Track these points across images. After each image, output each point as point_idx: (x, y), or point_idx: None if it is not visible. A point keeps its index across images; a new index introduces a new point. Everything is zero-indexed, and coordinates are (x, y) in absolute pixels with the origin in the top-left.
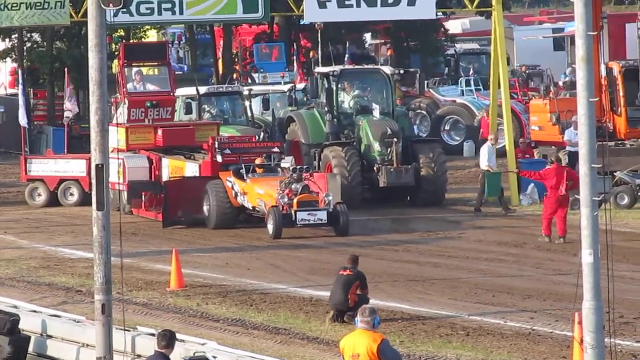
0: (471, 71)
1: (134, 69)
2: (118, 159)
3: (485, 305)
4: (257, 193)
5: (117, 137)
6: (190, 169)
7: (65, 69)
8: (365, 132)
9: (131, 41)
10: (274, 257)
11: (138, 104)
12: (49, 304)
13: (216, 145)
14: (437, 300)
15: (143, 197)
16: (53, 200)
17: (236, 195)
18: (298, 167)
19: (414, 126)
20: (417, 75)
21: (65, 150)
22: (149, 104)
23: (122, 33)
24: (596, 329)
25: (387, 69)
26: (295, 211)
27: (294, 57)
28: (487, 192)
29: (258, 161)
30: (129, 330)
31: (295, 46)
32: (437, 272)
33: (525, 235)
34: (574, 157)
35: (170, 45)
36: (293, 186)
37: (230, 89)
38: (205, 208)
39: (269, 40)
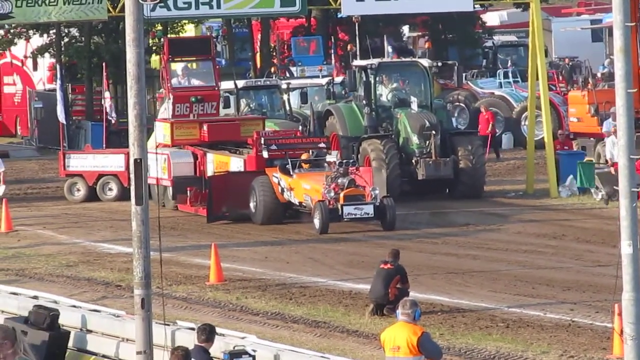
0: (509, 63)
1: (179, 64)
2: (163, 154)
3: (525, 297)
4: (304, 188)
5: (162, 132)
6: (235, 164)
7: (103, 64)
8: (403, 125)
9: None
10: (313, 250)
11: (183, 99)
12: (89, 298)
13: (262, 141)
14: (476, 293)
15: (188, 192)
16: (92, 195)
17: (283, 191)
18: (344, 161)
19: (452, 119)
20: (455, 67)
21: (104, 145)
22: (193, 99)
23: (160, 27)
24: (636, 320)
25: (425, 62)
26: (342, 205)
27: (332, 51)
28: (580, 181)
29: (304, 156)
30: (168, 325)
31: (332, 39)
32: (476, 265)
33: (565, 227)
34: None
35: (215, 40)
36: (339, 180)
37: (268, 82)
38: (251, 204)
39: (307, 33)
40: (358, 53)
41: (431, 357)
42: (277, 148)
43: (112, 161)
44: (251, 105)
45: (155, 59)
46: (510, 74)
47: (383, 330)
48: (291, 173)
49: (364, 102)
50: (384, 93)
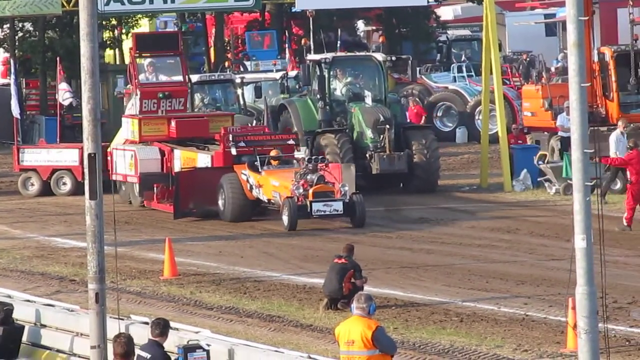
0: (463, 57)
1: (146, 60)
2: (129, 150)
3: (479, 292)
4: (272, 185)
5: (130, 128)
6: (203, 160)
7: (58, 59)
8: (357, 120)
9: (142, 31)
10: (267, 245)
11: (150, 95)
12: (43, 293)
13: (230, 137)
14: (430, 287)
15: (155, 189)
16: (46, 190)
17: (251, 188)
18: (313, 157)
19: (406, 113)
20: (409, 62)
21: (58, 140)
22: (161, 95)
23: (115, 22)
24: (590, 314)
25: (379, 56)
26: (311, 202)
27: (286, 45)
28: (565, 172)
29: (273, 153)
30: (122, 319)
31: (287, 34)
32: (430, 259)
33: (519, 221)
34: (566, 142)
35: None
36: (308, 177)
37: (222, 77)
38: (220, 202)
39: (261, 28)
40: (312, 47)
41: (385, 351)
42: (246, 145)
43: (66, 156)
44: (205, 100)
45: (109, 53)
46: (464, 68)
47: (337, 325)
48: (260, 170)
49: (318, 96)
50: (338, 87)
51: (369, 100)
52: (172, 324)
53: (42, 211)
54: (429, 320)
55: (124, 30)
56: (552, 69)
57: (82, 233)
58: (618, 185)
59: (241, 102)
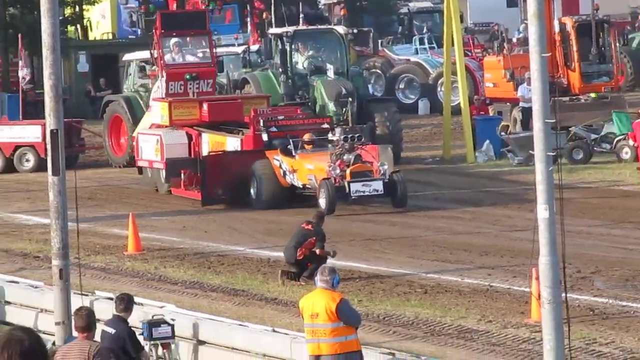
0: (425, 29)
1: (172, 39)
2: (155, 135)
3: (443, 263)
4: (307, 169)
5: (159, 112)
6: (232, 144)
7: (19, 35)
8: (319, 93)
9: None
10: (231, 219)
11: (176, 77)
12: (7, 270)
13: (261, 123)
14: (394, 259)
15: (182, 175)
16: (9, 167)
17: (285, 174)
18: (350, 136)
19: (368, 85)
20: (371, 34)
21: (21, 117)
22: (188, 77)
23: None
24: (553, 284)
25: (341, 29)
26: (349, 182)
27: (248, 19)
28: (618, 129)
29: (306, 137)
30: (87, 295)
31: (248, 8)
32: (394, 231)
33: (482, 192)
34: (527, 113)
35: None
36: (345, 157)
37: None
38: (252, 190)
39: (223, 2)
40: (274, 21)
41: (350, 323)
42: (278, 130)
43: (28, 132)
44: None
45: (71, 29)
46: (425, 40)
47: (301, 298)
48: (293, 154)
49: (280, 70)
50: (300, 61)
51: (331, 74)
52: (136, 299)
53: (5, 188)
54: (393, 292)
55: (85, 7)
56: (514, 40)
57: (45, 209)
58: (581, 155)
59: None
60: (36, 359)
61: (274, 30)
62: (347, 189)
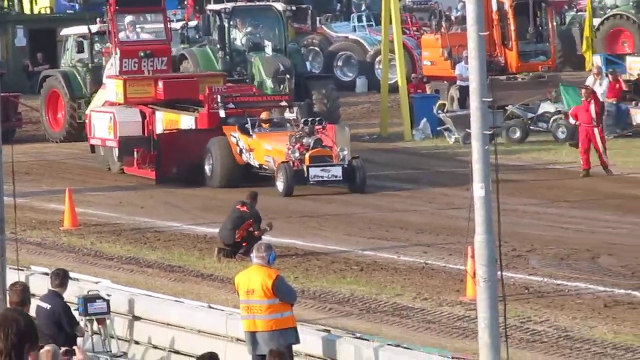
0: (363, 7)
1: (127, 17)
2: (108, 112)
3: (379, 240)
4: (265, 149)
5: (114, 90)
6: (186, 122)
7: None
8: (257, 69)
9: None
10: (168, 195)
11: (131, 54)
12: None
13: (218, 99)
14: (330, 236)
15: (135, 153)
16: None
17: (241, 152)
18: (310, 119)
19: (306, 63)
20: (309, 11)
21: None
22: (142, 54)
23: None
24: (488, 262)
25: (279, 6)
26: (308, 167)
27: None
28: (566, 102)
29: (264, 115)
30: (22, 270)
31: None
32: (331, 208)
33: (419, 170)
34: (465, 91)
35: None
36: (304, 140)
37: None
38: (207, 167)
39: None
40: None
41: (285, 300)
42: (235, 106)
43: None
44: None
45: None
46: (364, 18)
47: (237, 274)
48: (251, 133)
49: (218, 46)
50: (238, 37)
51: (269, 50)
52: (72, 274)
53: None
54: (329, 269)
55: None
56: (452, 18)
57: None
58: (517, 134)
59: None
60: (30, 338)
61: (212, 6)
62: (306, 173)
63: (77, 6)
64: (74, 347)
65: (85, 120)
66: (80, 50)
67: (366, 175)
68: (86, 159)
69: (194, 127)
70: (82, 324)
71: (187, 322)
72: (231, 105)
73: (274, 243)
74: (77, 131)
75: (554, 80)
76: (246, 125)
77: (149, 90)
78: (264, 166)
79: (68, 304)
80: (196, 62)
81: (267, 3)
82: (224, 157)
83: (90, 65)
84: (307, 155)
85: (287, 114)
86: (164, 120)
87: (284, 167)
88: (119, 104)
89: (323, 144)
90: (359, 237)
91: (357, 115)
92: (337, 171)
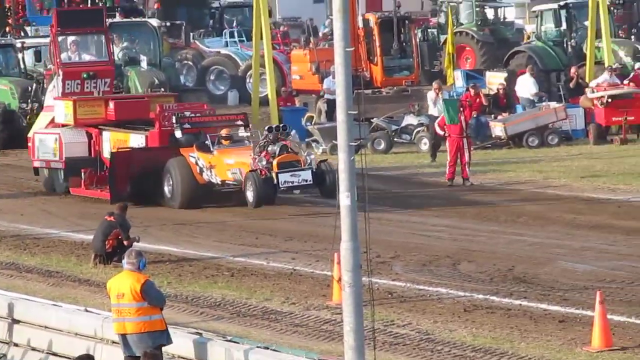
0: (235, 23)
1: (70, 38)
2: (53, 134)
3: (249, 247)
4: (227, 164)
5: (63, 111)
6: (136, 141)
7: None
8: (133, 82)
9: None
10: (47, 203)
11: (73, 76)
12: None
13: (174, 120)
14: (203, 243)
15: (82, 174)
16: None
17: (202, 170)
18: (274, 126)
19: (180, 76)
20: (183, 27)
21: None
22: (85, 75)
23: None
24: (353, 268)
25: (154, 22)
26: (277, 173)
27: None
28: (449, 119)
29: (224, 132)
30: None
31: (66, 0)
32: (203, 216)
33: None
34: (332, 104)
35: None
36: (270, 148)
37: (3, 41)
38: (166, 188)
39: None
40: None
41: (154, 303)
42: (192, 126)
43: None
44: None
45: None
46: (235, 34)
47: (110, 279)
48: (211, 150)
49: None
50: (115, 52)
51: (144, 64)
52: None
53: None
54: (202, 274)
55: None
56: (320, 34)
57: None
58: (382, 145)
59: (22, 66)
60: None
61: None
62: (276, 180)
63: None
64: None
65: (29, 143)
66: None
67: (336, 179)
68: None
69: (144, 145)
70: None
71: (65, 325)
72: (187, 125)
73: (148, 250)
74: None
75: (417, 95)
76: (206, 142)
77: (99, 111)
78: (227, 182)
79: None
80: None
81: (143, 19)
82: (184, 177)
83: None
84: (274, 162)
85: (241, 132)
86: (111, 140)
87: (252, 175)
88: (63, 125)
89: (290, 150)
90: (230, 244)
91: None
92: (307, 175)
